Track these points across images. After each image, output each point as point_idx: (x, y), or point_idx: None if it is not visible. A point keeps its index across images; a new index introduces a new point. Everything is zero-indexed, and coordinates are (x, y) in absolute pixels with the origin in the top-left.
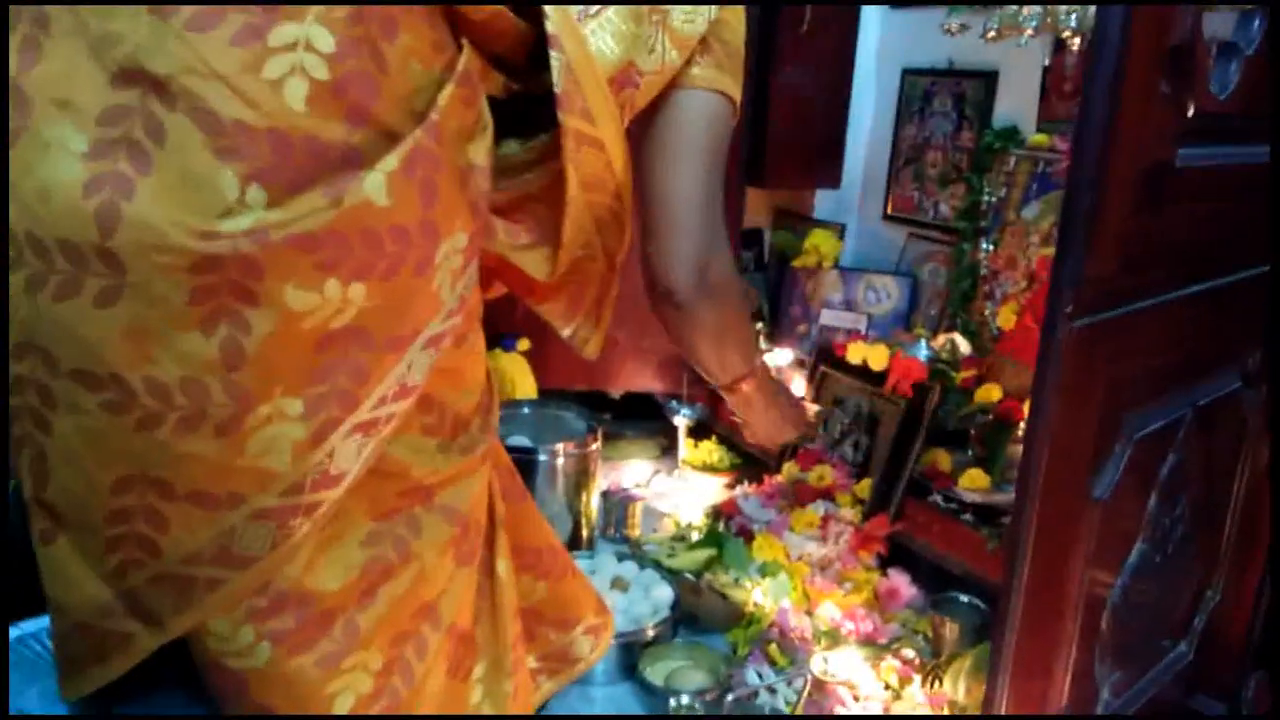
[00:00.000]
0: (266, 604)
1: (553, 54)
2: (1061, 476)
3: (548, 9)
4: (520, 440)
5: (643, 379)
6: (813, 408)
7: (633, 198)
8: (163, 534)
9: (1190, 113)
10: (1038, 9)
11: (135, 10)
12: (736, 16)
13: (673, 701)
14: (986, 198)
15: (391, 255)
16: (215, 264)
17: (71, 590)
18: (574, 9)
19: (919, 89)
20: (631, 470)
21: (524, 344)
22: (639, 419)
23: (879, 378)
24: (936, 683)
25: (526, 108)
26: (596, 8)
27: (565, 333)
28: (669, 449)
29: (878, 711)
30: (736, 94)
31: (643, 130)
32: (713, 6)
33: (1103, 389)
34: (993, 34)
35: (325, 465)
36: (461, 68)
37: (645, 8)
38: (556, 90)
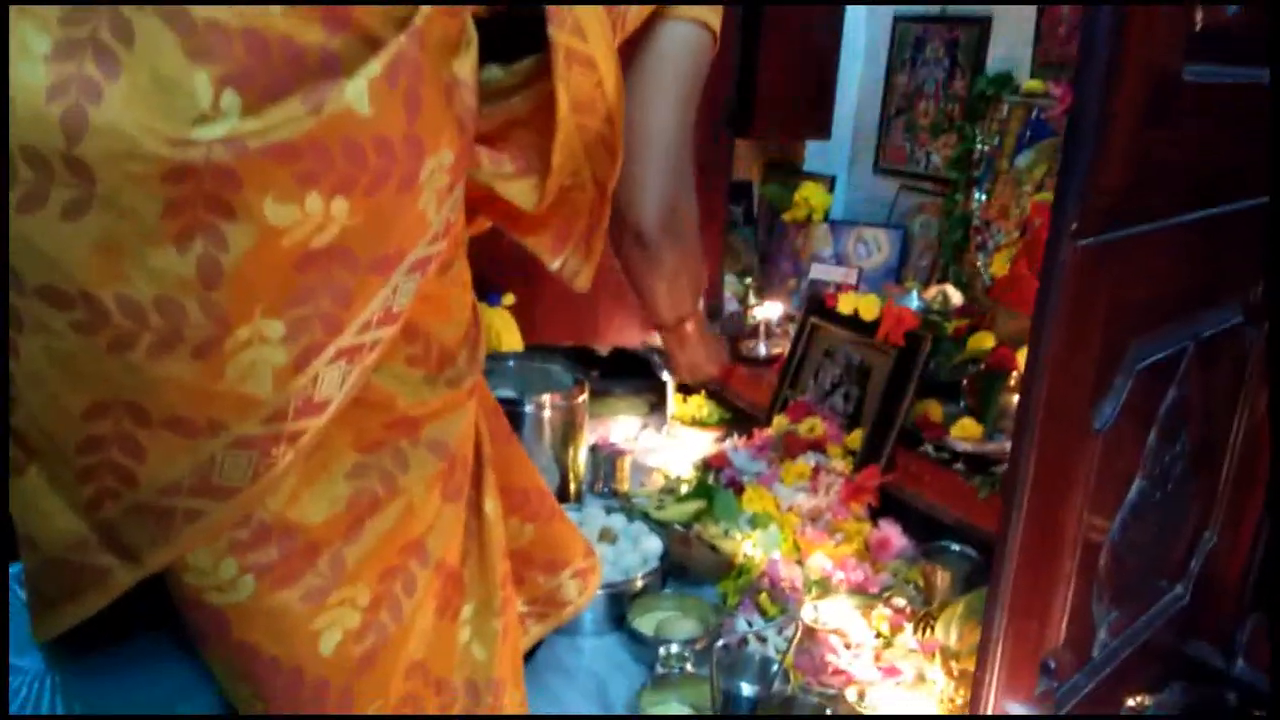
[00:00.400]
0: (249, 536)
1: None
2: (1063, 404)
3: None
4: (506, 393)
5: (630, 334)
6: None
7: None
8: (139, 463)
9: (1198, 25)
10: None
11: None
12: None
13: (662, 650)
14: (979, 146)
15: (375, 169)
16: (189, 173)
17: (43, 523)
18: None
19: (910, 36)
20: (620, 426)
21: (509, 299)
22: (627, 376)
23: (870, 328)
24: (928, 629)
25: (509, 31)
26: None
27: (554, 265)
28: (657, 406)
29: (869, 657)
30: (717, 24)
31: (623, 60)
32: None
33: (1105, 314)
34: None
35: (309, 391)
36: None
37: None
38: (546, 5)
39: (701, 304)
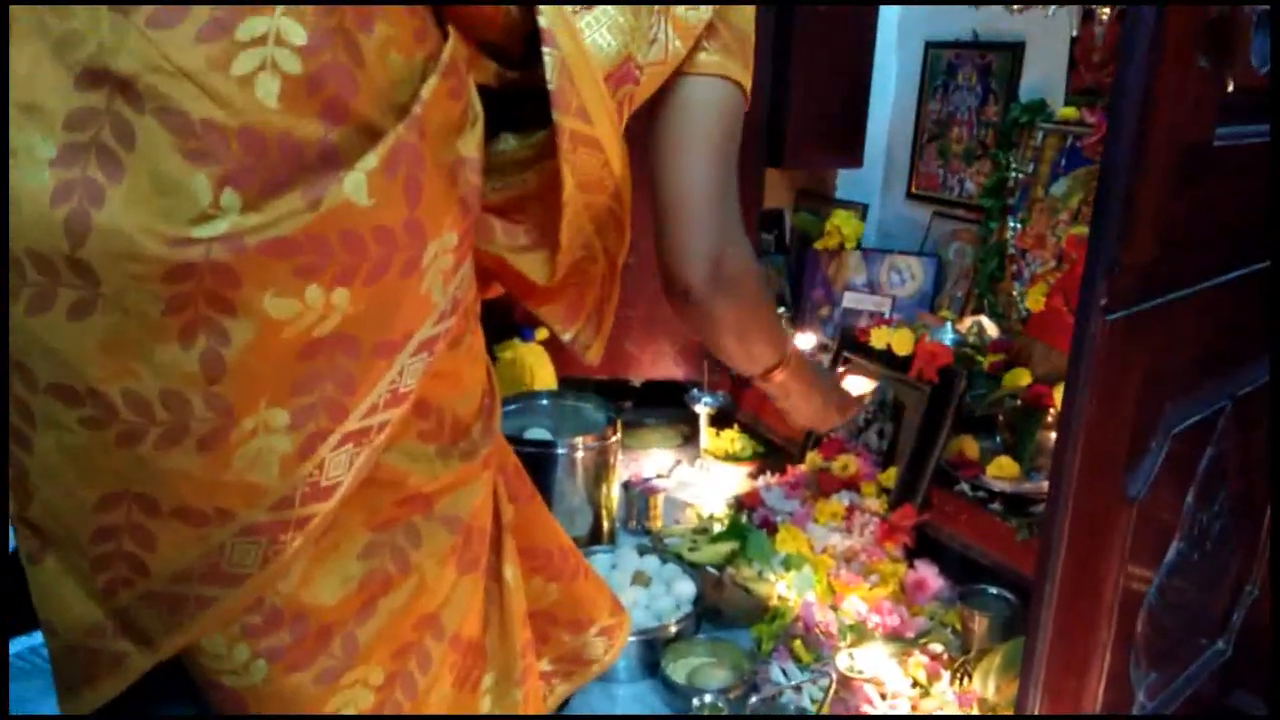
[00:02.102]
0: (261, 621)
1: (546, 50)
2: (1095, 476)
3: (541, 4)
4: (539, 432)
5: (663, 367)
6: (868, 384)
7: (639, 191)
8: (150, 552)
9: (1229, 88)
10: None
11: (95, 7)
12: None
13: (695, 700)
14: (1013, 174)
15: (376, 258)
16: (189, 272)
17: (61, 610)
18: (568, 2)
19: (942, 62)
20: (652, 460)
21: (542, 333)
22: (660, 406)
23: (903, 363)
24: (966, 679)
25: (524, 101)
26: None
27: (566, 337)
28: (690, 437)
29: (906, 710)
30: (746, 80)
31: (651, 120)
32: None
33: (1139, 383)
34: (1019, 6)
35: (315, 477)
36: (446, 57)
37: None
38: (550, 88)
39: (795, 351)
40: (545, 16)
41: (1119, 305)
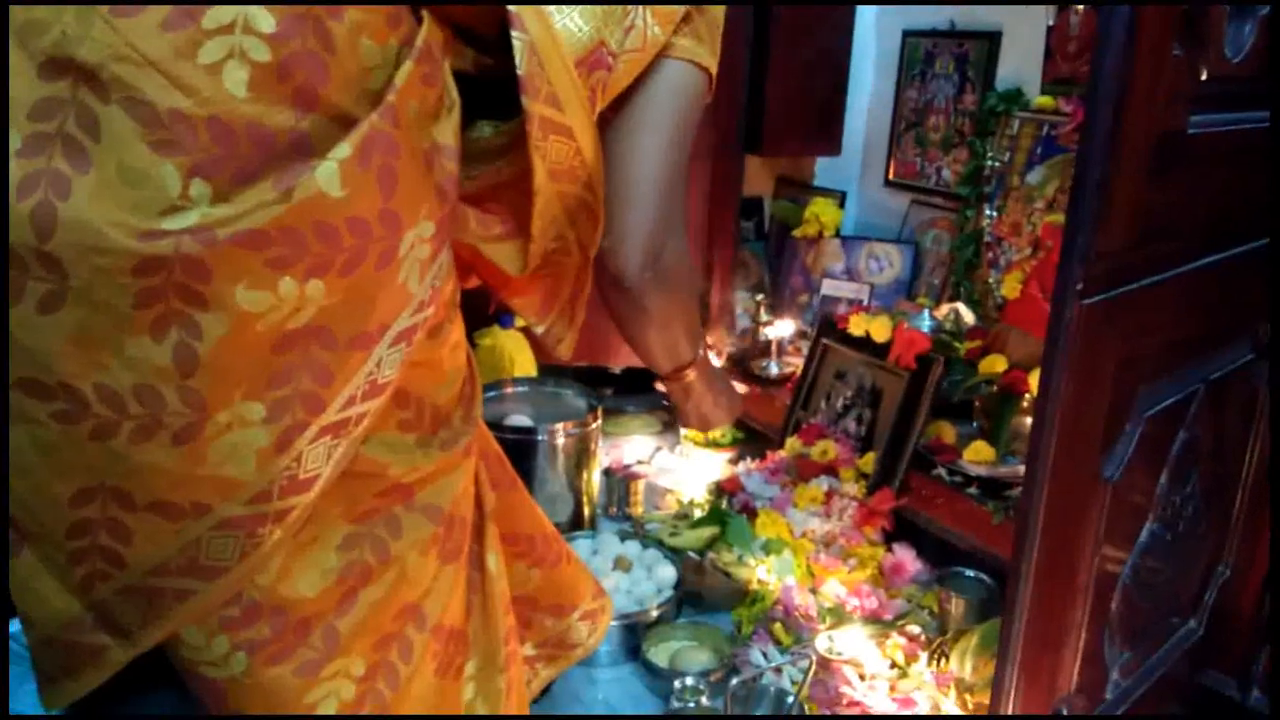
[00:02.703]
0: (240, 614)
1: (514, 34)
2: (1071, 459)
3: None
4: (520, 419)
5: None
6: (742, 389)
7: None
8: (127, 545)
9: (1203, 76)
10: None
11: None
12: None
13: (677, 683)
14: (990, 162)
15: (351, 249)
16: (159, 265)
17: (40, 604)
18: None
19: (920, 51)
20: (633, 446)
21: (521, 320)
22: (640, 393)
23: (882, 350)
24: (943, 660)
25: (503, 88)
26: None
27: (539, 329)
28: (671, 424)
29: (884, 689)
30: (713, 67)
31: (616, 99)
32: None
33: (1114, 367)
34: None
35: (293, 470)
36: (420, 43)
37: None
38: (519, 73)
39: (704, 350)
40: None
41: (1094, 290)
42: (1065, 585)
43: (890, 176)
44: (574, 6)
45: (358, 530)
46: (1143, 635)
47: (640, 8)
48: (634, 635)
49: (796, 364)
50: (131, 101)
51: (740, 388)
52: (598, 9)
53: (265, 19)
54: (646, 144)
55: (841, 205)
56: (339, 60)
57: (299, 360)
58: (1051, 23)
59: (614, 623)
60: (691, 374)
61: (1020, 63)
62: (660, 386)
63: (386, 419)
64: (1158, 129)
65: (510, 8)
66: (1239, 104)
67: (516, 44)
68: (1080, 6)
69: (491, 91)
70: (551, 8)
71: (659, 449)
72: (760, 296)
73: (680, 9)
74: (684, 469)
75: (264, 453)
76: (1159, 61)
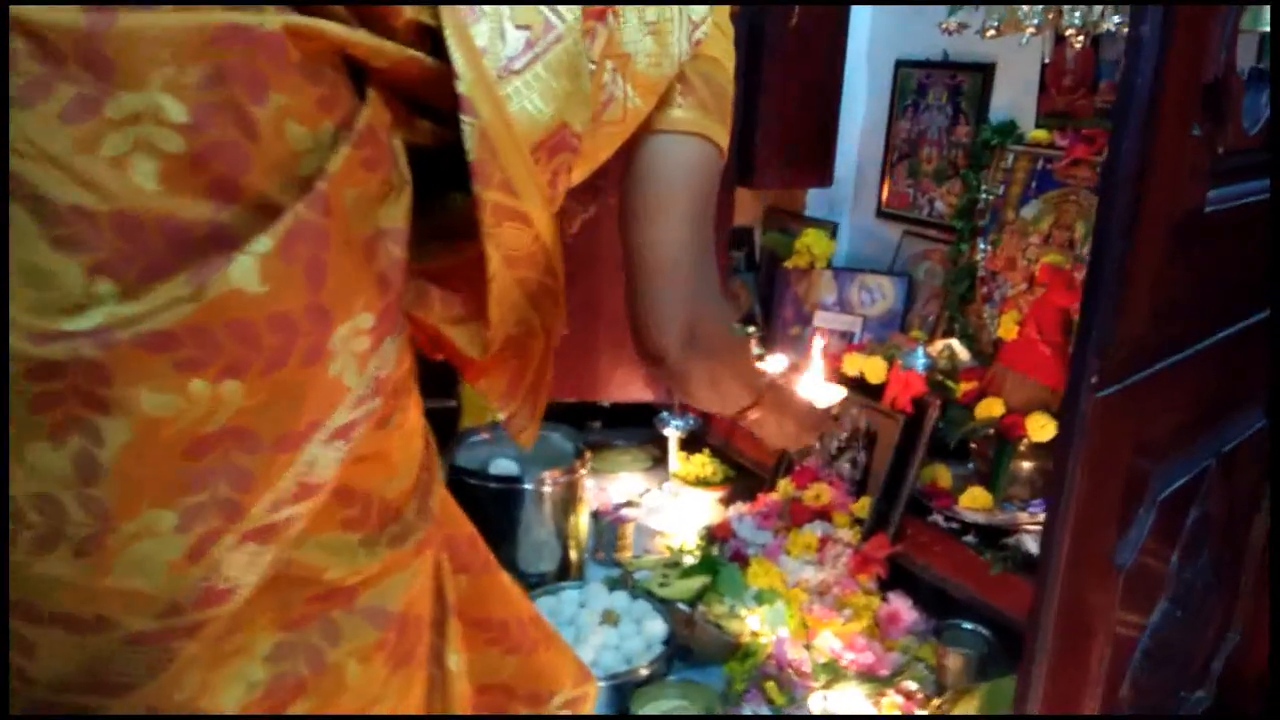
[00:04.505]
0: None
1: (464, 119)
2: (1084, 550)
3: (458, 66)
4: (506, 465)
5: (632, 389)
6: (837, 391)
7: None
8: (30, 660)
9: (1220, 151)
10: (1040, 6)
11: None
12: (724, 51)
13: None
14: (984, 195)
15: (272, 348)
16: (55, 370)
17: None
18: (493, 65)
19: (913, 82)
20: (621, 484)
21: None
22: (629, 426)
23: (876, 390)
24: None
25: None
26: (523, 61)
27: (503, 415)
28: (660, 460)
29: None
30: (723, 140)
31: (623, 179)
32: (684, 46)
33: (1128, 455)
34: (992, 32)
35: (210, 581)
36: (361, 125)
37: (587, 57)
38: (469, 159)
39: (768, 379)
40: (463, 82)
41: (1109, 382)
42: (1078, 674)
43: (883, 207)
44: (533, 90)
45: (289, 639)
46: (1153, 712)
47: (618, 78)
48: (622, 696)
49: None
50: (32, 199)
51: (828, 394)
52: (560, 91)
53: (176, 108)
54: (663, 229)
55: (833, 236)
56: (262, 147)
57: (216, 465)
58: (1047, 58)
59: (602, 683)
60: (755, 413)
61: (1014, 95)
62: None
63: (327, 520)
64: (1178, 208)
65: (461, 91)
66: (1248, 175)
67: (466, 129)
68: (1077, 43)
69: (461, 160)
70: (507, 90)
71: (648, 490)
72: (752, 329)
73: (664, 79)
74: (674, 509)
75: (175, 564)
76: (1179, 140)
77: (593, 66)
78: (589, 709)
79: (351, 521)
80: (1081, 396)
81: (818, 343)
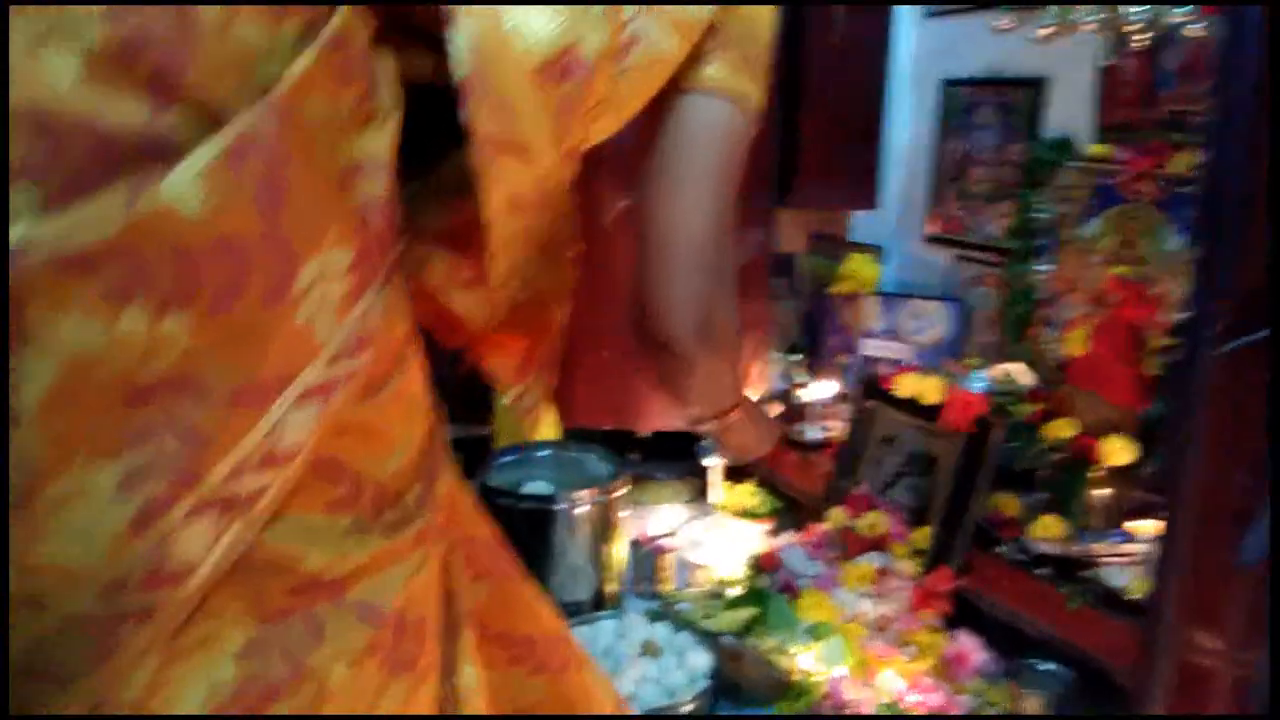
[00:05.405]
0: None
1: (450, 34)
2: (1206, 545)
3: None
4: (539, 486)
5: (674, 415)
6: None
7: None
8: None
9: None
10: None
11: None
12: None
13: None
14: (1041, 215)
15: (219, 281)
16: None
17: None
18: None
19: (960, 101)
20: (661, 517)
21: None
22: (669, 459)
23: (932, 413)
24: None
25: None
26: None
27: (509, 398)
28: (702, 492)
29: None
30: (755, 94)
31: (641, 142)
32: None
33: (1254, 427)
34: (1045, 32)
35: (158, 558)
36: (329, 31)
37: None
38: (458, 78)
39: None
40: None
41: (1232, 334)
42: (1203, 683)
43: (931, 231)
44: (533, 6)
45: (264, 635)
46: None
47: (643, 18)
48: None
49: (836, 429)
50: None
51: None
52: (569, 11)
53: None
54: (683, 195)
55: (880, 261)
56: (204, 43)
57: (161, 417)
58: (1103, 64)
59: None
60: (734, 415)
61: (1067, 110)
62: (694, 428)
63: (309, 498)
64: None
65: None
66: None
67: (452, 47)
68: (1138, 40)
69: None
70: (505, 6)
71: (690, 519)
72: (796, 357)
73: (701, 21)
74: (717, 541)
75: (118, 535)
76: None
77: None
78: None
79: (340, 503)
80: (1199, 354)
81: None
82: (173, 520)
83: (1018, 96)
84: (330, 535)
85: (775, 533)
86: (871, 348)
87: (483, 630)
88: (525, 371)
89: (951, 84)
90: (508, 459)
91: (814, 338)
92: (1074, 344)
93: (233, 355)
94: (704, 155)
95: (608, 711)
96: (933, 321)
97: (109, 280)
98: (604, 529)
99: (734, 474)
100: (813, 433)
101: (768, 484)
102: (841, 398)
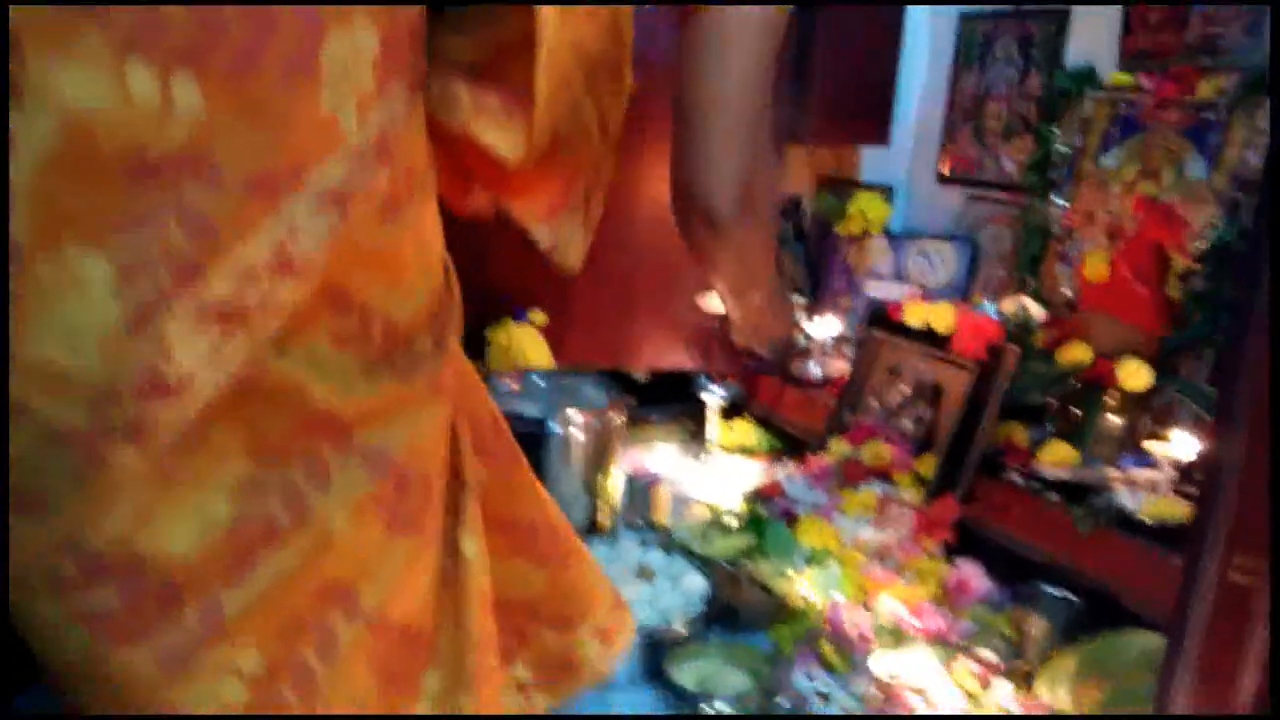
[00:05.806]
0: (75, 571)
1: None
2: (1253, 463)
3: None
4: (533, 412)
5: (670, 355)
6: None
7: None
8: None
9: None
10: None
11: None
12: None
13: (706, 708)
14: (1060, 148)
15: (240, 40)
16: None
17: None
18: None
19: (978, 34)
20: (656, 455)
21: (538, 317)
22: (664, 403)
23: (942, 341)
24: (1027, 687)
25: None
26: None
27: (541, 237)
28: (697, 433)
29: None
30: None
31: (682, 15)
32: None
33: None
34: None
35: (153, 363)
36: None
37: None
38: None
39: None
40: None
41: None
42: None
43: (944, 171)
44: None
45: (264, 473)
46: None
47: None
48: (657, 654)
49: (839, 368)
50: None
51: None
52: None
53: None
54: (731, 68)
55: (889, 200)
56: None
57: (165, 198)
58: None
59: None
60: (758, 294)
61: (1091, 40)
62: (709, 305)
63: (314, 324)
64: None
65: None
66: None
67: None
68: None
69: None
70: None
71: (686, 457)
72: (798, 298)
73: None
74: (714, 478)
75: (110, 334)
76: None
77: None
78: (624, 640)
79: (346, 336)
80: (1260, 282)
81: None
82: (171, 322)
83: (1039, 27)
84: (337, 368)
85: (772, 469)
86: (876, 290)
87: (486, 515)
88: (559, 208)
89: (969, 18)
90: (502, 388)
91: (817, 280)
92: (1095, 267)
93: (249, 134)
94: (746, 35)
95: (607, 609)
96: (940, 262)
97: (116, 25)
98: (599, 456)
99: (729, 412)
100: (815, 369)
101: (766, 422)
102: (843, 338)
